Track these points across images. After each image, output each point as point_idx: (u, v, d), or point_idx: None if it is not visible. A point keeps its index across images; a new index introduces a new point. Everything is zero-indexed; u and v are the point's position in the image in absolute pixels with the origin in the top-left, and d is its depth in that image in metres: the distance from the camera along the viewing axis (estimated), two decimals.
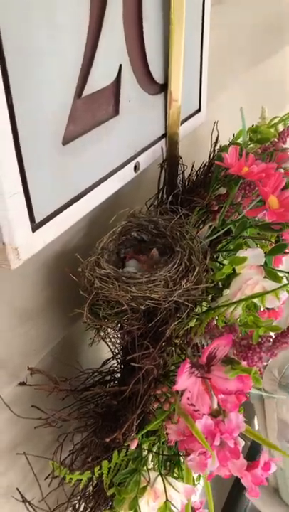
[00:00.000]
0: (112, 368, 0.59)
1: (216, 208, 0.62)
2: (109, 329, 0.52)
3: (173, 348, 0.51)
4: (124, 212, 0.60)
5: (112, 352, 0.56)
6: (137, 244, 0.62)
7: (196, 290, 0.50)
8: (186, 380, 0.45)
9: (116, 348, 0.55)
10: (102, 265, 0.53)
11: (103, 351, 0.58)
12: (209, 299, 0.54)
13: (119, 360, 0.58)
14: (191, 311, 0.51)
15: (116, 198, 0.59)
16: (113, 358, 0.57)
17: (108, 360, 0.59)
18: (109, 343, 0.53)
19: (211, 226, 0.62)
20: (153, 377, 0.49)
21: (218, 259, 0.62)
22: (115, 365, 0.59)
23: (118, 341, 0.54)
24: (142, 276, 0.51)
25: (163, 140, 0.65)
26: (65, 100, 0.44)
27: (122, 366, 0.58)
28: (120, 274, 0.51)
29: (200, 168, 0.69)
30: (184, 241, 0.56)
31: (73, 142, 0.47)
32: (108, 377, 0.59)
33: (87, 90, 0.46)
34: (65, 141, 0.46)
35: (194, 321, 0.52)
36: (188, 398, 0.46)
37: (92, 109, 0.49)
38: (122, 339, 0.51)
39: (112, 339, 0.53)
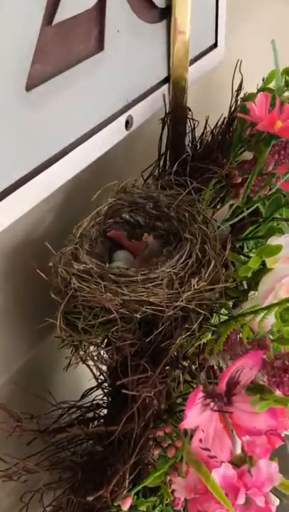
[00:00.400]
0: (96, 401, 0.59)
1: (239, 180, 0.62)
2: (91, 346, 0.52)
3: (180, 372, 0.51)
4: (112, 186, 0.60)
5: (96, 379, 0.56)
6: (130, 229, 0.62)
7: (211, 292, 0.50)
8: (198, 415, 0.45)
9: (101, 373, 0.56)
10: (81, 258, 0.52)
11: (84, 378, 0.58)
12: (230, 304, 0.54)
13: (105, 391, 0.58)
14: (205, 321, 0.51)
15: (100, 165, 0.59)
16: (97, 387, 0.58)
17: (91, 390, 0.59)
18: (92, 367, 0.53)
19: (232, 205, 0.63)
20: (152, 412, 0.49)
21: (243, 250, 0.63)
22: (100, 396, 0.59)
23: (104, 363, 0.54)
24: (136, 272, 0.51)
25: (165, 86, 0.64)
26: (29, 29, 0.43)
27: (110, 399, 0.58)
28: (107, 270, 0.51)
29: (217, 125, 0.68)
30: (195, 225, 0.56)
31: (41, 87, 0.46)
32: (91, 414, 0.59)
33: (60, 15, 0.46)
34: (30, 86, 0.45)
35: (209, 334, 0.52)
36: (201, 440, 0.46)
37: (66, 42, 0.48)
38: (110, 360, 0.51)
39: (96, 360, 0.53)
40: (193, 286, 0.50)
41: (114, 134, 0.58)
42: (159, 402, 0.48)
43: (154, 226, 0.61)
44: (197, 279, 0.50)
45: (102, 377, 0.57)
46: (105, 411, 0.59)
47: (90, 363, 0.53)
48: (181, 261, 0.52)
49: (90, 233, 0.58)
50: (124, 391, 0.47)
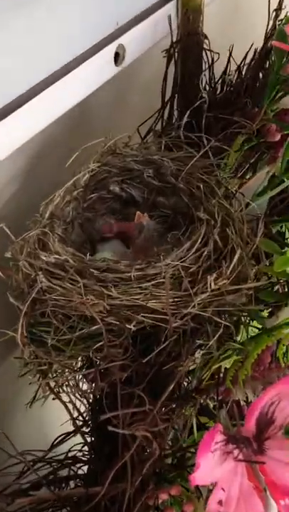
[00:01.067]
0: (72, 452, 0.60)
1: (278, 138, 0.64)
2: (66, 372, 0.53)
3: (191, 409, 0.53)
4: (96, 146, 0.61)
5: (74, 420, 0.56)
6: (121, 208, 0.63)
7: (235, 294, 0.52)
8: (216, 467, 0.46)
9: (80, 413, 0.56)
10: (51, 247, 0.54)
11: (55, 419, 0.59)
12: (265, 313, 0.56)
13: (86, 437, 0.58)
14: (227, 336, 0.52)
15: (80, 116, 0.59)
16: (75, 432, 0.58)
17: (66, 436, 0.60)
18: (67, 401, 0.54)
19: (268, 172, 0.64)
20: (153, 462, 0.50)
21: (282, 237, 0.64)
22: (79, 446, 0.59)
23: (84, 396, 0.55)
24: (129, 267, 0.52)
25: (172, 4, 0.66)
26: None
27: (93, 449, 0.58)
28: (88, 263, 0.53)
29: (245, 60, 0.70)
30: (214, 201, 0.57)
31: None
32: (65, 471, 0.59)
33: None
34: None
35: (233, 355, 0.54)
36: (220, 503, 0.46)
37: None
38: (92, 390, 0.53)
39: (73, 392, 0.54)
40: (210, 285, 0.51)
41: (99, 71, 0.59)
42: (162, 449, 0.49)
43: (154, 203, 0.62)
44: (215, 275, 0.51)
45: (81, 419, 0.58)
46: (85, 467, 0.60)
47: (65, 397, 0.54)
48: (192, 250, 0.53)
49: (65, 212, 0.59)
50: (111, 429, 0.47)
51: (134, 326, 0.50)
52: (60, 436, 0.60)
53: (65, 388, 0.55)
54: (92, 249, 0.61)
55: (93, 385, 0.53)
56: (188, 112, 0.65)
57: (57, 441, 0.60)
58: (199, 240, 0.54)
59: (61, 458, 0.60)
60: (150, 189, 0.62)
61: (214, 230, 0.54)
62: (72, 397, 0.54)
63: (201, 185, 0.59)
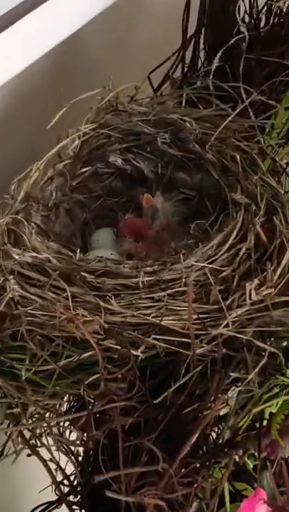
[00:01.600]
0: None
1: None
2: (47, 415, 0.53)
3: (221, 469, 0.52)
4: (90, 100, 0.61)
5: (57, 483, 0.56)
6: (124, 186, 0.64)
7: (285, 310, 0.52)
8: None
9: (66, 475, 0.56)
10: (27, 240, 0.54)
11: (32, 482, 0.59)
12: None
13: (75, 508, 0.58)
14: (274, 367, 0.52)
15: (67, 57, 0.60)
16: (58, 502, 0.58)
17: (45, 508, 0.60)
18: (48, 459, 0.54)
19: None
20: None
21: None
22: None
23: (72, 451, 0.55)
24: (136, 269, 0.52)
25: None
26: None
27: None
28: (78, 264, 0.52)
29: None
30: (256, 177, 0.57)
31: None
32: None
33: None
34: None
35: (281, 394, 0.53)
36: None
37: None
38: (84, 440, 0.52)
39: (57, 445, 0.54)
40: (250, 296, 0.51)
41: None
42: None
43: (172, 180, 0.62)
44: (257, 282, 0.51)
45: (68, 482, 0.57)
46: None
47: (45, 452, 0.54)
48: (225, 247, 0.53)
49: (46, 194, 0.60)
50: (110, 494, 0.46)
51: (142, 352, 0.49)
52: (37, 507, 0.60)
53: (45, 440, 0.54)
54: (84, 245, 0.61)
55: (84, 434, 0.52)
56: (219, 53, 0.64)
57: None
58: (235, 233, 0.54)
59: None
60: (166, 161, 0.62)
61: (256, 218, 0.54)
62: (54, 452, 0.54)
63: (238, 156, 0.58)
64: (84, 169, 0.62)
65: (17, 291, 0.52)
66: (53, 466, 0.54)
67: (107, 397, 0.49)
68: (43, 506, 0.60)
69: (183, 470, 0.50)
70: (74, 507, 0.58)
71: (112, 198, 0.64)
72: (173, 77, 0.67)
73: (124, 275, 0.52)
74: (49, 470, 0.55)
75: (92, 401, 0.50)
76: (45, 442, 0.54)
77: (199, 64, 0.68)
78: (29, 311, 0.51)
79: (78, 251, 0.55)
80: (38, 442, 0.54)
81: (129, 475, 0.48)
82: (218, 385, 0.50)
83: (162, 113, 0.62)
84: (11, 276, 0.52)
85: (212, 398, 0.50)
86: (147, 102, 0.64)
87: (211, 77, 0.63)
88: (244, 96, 0.61)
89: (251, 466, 0.57)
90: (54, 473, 0.55)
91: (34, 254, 0.53)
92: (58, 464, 0.54)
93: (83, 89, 0.61)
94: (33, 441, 0.54)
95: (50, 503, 0.59)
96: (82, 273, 0.52)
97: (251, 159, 0.59)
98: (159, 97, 0.65)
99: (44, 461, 0.54)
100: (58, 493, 0.57)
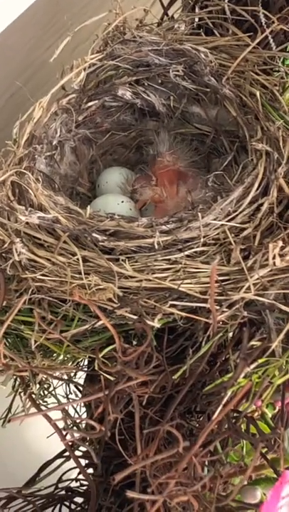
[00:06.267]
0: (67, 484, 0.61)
1: None
2: (54, 382, 0.53)
3: (240, 445, 0.52)
4: (95, 27, 0.59)
5: (70, 449, 0.56)
6: (134, 121, 0.62)
7: None
8: None
9: (76, 423, 0.56)
10: (33, 195, 0.52)
11: (39, 443, 0.59)
12: None
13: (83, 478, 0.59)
14: None
15: None
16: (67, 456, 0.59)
17: (56, 459, 0.61)
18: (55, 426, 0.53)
19: None
20: None
21: None
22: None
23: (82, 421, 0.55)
24: (151, 228, 0.50)
25: None
26: None
27: (94, 475, 0.59)
28: (89, 223, 0.51)
29: None
30: (278, 120, 0.54)
31: None
32: None
33: None
34: None
35: None
36: None
37: None
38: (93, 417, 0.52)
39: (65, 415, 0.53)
40: (274, 256, 0.49)
41: None
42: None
43: (185, 115, 0.60)
44: (282, 242, 0.49)
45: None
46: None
47: (53, 414, 0.53)
48: (246, 202, 0.51)
49: (50, 131, 0.58)
50: (130, 495, 0.46)
51: (158, 322, 0.48)
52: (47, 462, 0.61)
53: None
54: (92, 186, 0.60)
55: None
56: None
57: (36, 477, 0.61)
58: (256, 185, 0.52)
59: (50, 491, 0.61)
60: (178, 94, 0.60)
61: (279, 168, 0.52)
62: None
63: (258, 93, 0.56)
64: (90, 103, 0.61)
65: (24, 254, 0.51)
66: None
67: (120, 371, 0.48)
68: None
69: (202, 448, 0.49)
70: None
71: (121, 133, 0.63)
72: None
73: (138, 234, 0.51)
74: (58, 430, 0.53)
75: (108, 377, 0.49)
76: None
77: None
78: (38, 276, 0.50)
79: (88, 205, 0.54)
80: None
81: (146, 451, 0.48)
82: (241, 354, 0.48)
83: (174, 41, 0.60)
84: (18, 239, 0.51)
85: (237, 368, 0.48)
86: (158, 27, 0.62)
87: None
88: (263, 22, 0.59)
89: (270, 415, 0.57)
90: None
91: (41, 214, 0.52)
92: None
93: (87, 14, 0.60)
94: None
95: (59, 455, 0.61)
96: (94, 234, 0.51)
97: (273, 96, 0.57)
98: (172, 20, 0.63)
99: (55, 426, 0.53)
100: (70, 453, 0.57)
